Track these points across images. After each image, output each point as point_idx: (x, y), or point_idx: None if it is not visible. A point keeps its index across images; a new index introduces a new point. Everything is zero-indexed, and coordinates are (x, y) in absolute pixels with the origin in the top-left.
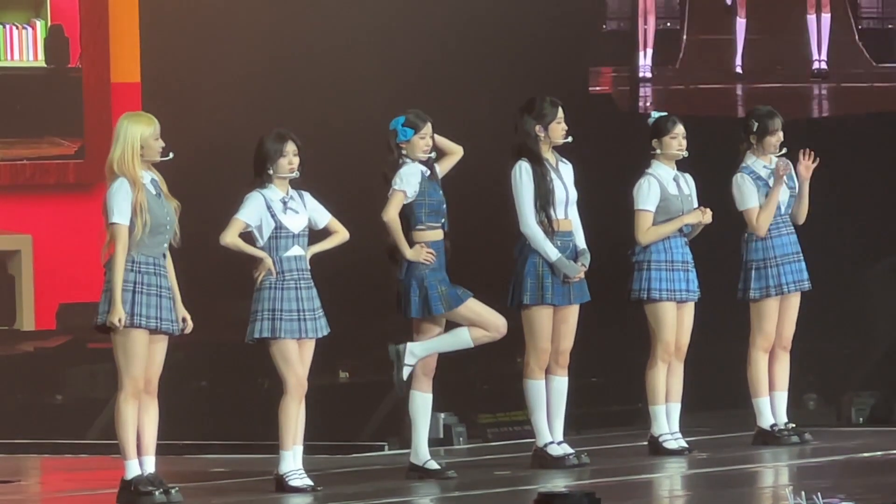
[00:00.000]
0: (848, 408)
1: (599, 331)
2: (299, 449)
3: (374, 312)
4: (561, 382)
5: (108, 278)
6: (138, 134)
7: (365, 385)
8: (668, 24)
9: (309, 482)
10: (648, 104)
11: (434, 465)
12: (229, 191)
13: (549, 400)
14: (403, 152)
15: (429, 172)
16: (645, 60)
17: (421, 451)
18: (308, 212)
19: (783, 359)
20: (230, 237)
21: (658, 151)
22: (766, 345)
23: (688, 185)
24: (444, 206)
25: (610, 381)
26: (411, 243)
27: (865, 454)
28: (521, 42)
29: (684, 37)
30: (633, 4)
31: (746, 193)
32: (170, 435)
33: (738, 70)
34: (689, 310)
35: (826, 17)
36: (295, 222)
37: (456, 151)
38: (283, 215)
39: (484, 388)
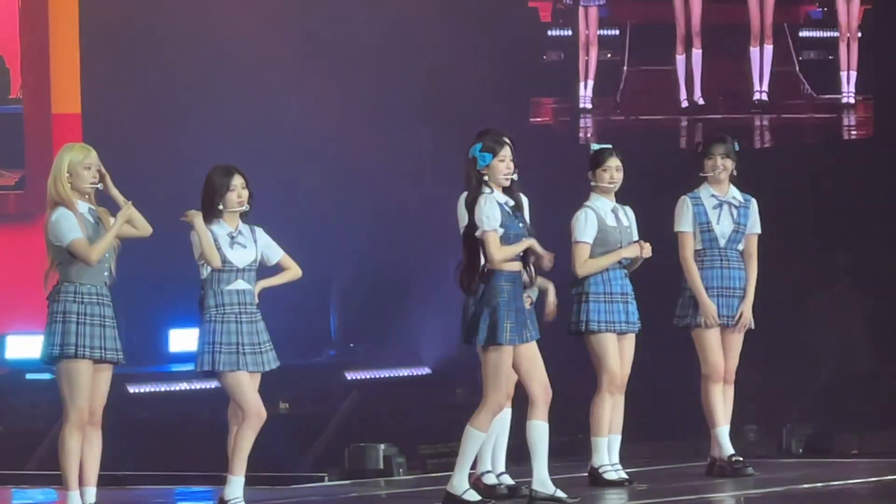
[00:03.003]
0: (788, 439)
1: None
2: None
3: (313, 344)
4: (506, 415)
5: (52, 310)
6: (66, 161)
7: (305, 416)
8: (609, 55)
9: None
10: (589, 135)
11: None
12: (170, 222)
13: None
14: (485, 178)
15: (511, 203)
16: (586, 92)
17: (546, 480)
18: (259, 247)
19: (727, 392)
20: (216, 261)
21: (593, 183)
22: (713, 375)
23: (627, 216)
24: (525, 237)
25: (551, 412)
26: (484, 275)
27: (805, 485)
28: (462, 73)
29: (625, 68)
30: (574, 36)
31: (680, 216)
32: (110, 465)
33: (685, 103)
34: (630, 341)
35: (768, 48)
36: (241, 257)
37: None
38: (228, 249)
39: (424, 419)
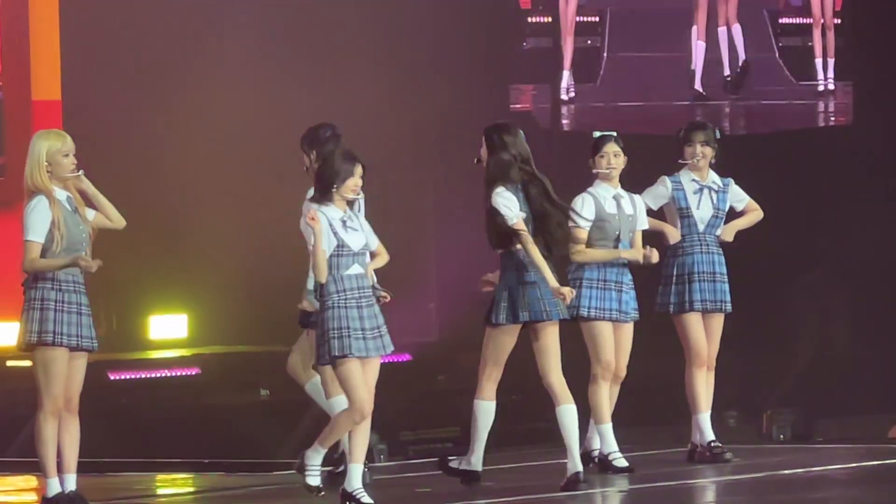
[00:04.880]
0: (769, 425)
1: (522, 350)
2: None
3: (294, 331)
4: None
5: (28, 296)
6: (45, 149)
7: (285, 403)
8: (589, 41)
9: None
10: (569, 121)
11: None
12: (148, 207)
13: None
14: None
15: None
16: (567, 79)
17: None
18: (365, 232)
19: (708, 378)
20: (323, 276)
21: (594, 170)
22: (697, 360)
23: (633, 204)
24: None
25: (530, 398)
26: None
27: (786, 471)
28: (442, 60)
29: (605, 54)
30: (554, 22)
31: (651, 193)
32: (91, 452)
33: (700, 87)
34: (625, 331)
35: (737, 28)
36: (355, 240)
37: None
38: (344, 233)
39: (405, 406)
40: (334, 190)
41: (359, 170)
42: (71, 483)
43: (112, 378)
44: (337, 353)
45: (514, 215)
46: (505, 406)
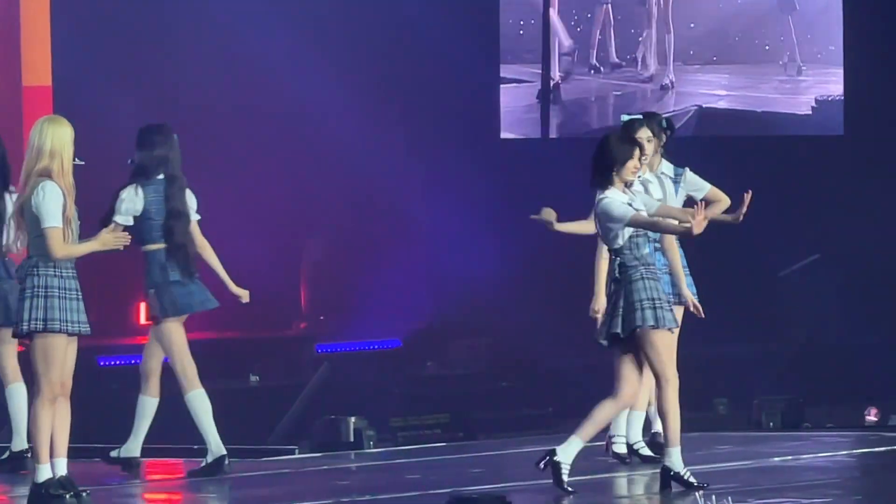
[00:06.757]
0: (758, 412)
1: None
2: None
3: (283, 317)
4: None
5: (31, 283)
6: (68, 137)
7: (275, 389)
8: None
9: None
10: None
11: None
12: None
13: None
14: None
15: None
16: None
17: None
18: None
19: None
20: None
21: None
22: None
23: (662, 188)
24: None
25: (522, 385)
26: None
27: (776, 458)
28: (434, 42)
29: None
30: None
31: None
32: (81, 438)
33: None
34: None
35: None
36: None
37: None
38: None
39: (395, 391)
40: (614, 174)
41: (637, 151)
42: (61, 468)
43: (102, 364)
44: (652, 325)
45: (122, 213)
46: (497, 392)
